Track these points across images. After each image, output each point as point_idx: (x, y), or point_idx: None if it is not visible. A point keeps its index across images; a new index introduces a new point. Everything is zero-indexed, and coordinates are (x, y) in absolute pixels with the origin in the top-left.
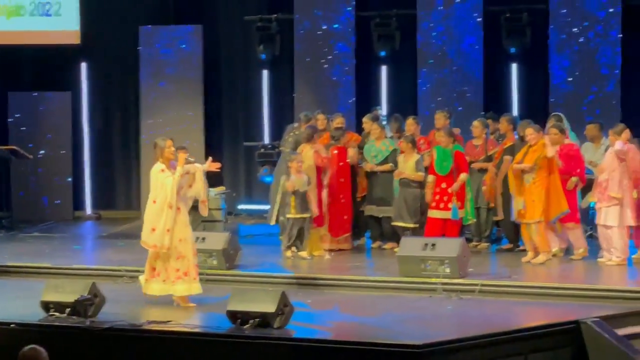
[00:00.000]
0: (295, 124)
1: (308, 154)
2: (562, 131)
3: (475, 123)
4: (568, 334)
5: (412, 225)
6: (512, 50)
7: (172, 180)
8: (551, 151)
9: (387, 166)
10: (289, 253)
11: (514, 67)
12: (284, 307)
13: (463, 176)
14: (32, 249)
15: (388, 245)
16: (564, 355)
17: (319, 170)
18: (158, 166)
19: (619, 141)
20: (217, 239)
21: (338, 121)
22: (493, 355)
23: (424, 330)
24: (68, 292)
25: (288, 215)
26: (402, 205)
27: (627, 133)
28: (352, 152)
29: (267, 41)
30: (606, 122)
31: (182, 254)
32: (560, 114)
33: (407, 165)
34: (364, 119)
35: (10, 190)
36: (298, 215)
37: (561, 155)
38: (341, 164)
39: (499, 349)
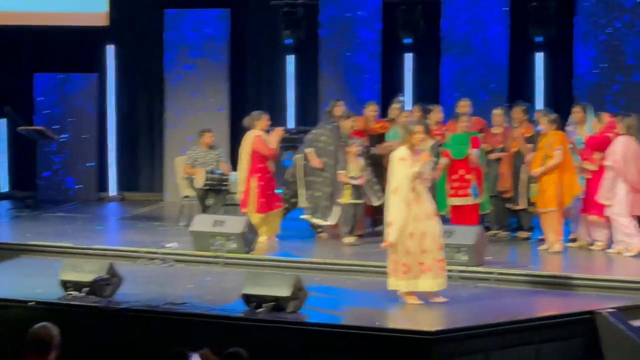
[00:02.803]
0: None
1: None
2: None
3: (497, 111)
4: (582, 324)
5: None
6: (538, 39)
7: (411, 173)
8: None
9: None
10: (346, 240)
11: (539, 56)
12: (299, 291)
13: (473, 151)
14: (54, 228)
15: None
16: (577, 346)
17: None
18: (400, 152)
19: None
20: (236, 223)
21: (370, 109)
22: (505, 344)
23: (438, 317)
24: (86, 272)
25: (340, 201)
26: None
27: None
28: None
29: (293, 26)
30: (632, 112)
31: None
32: (587, 103)
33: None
34: (393, 106)
35: (35, 170)
36: (352, 201)
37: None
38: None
39: (512, 338)
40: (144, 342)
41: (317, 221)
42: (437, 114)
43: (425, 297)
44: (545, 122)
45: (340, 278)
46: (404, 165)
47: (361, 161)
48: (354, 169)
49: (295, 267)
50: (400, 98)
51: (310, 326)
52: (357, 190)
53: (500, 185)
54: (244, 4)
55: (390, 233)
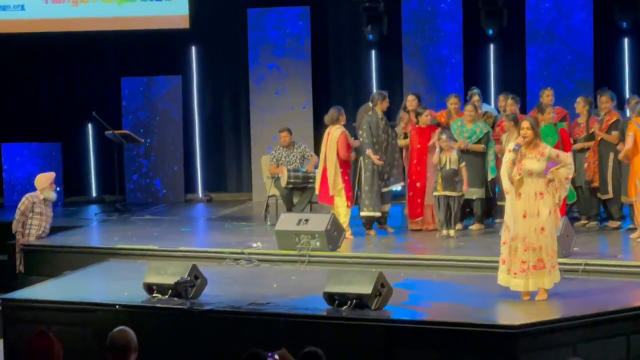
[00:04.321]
0: (370, 104)
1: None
2: None
3: (578, 99)
4: None
5: None
6: (624, 24)
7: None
8: None
9: (480, 146)
10: (443, 232)
11: (626, 42)
12: (382, 287)
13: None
14: (141, 231)
15: (475, 227)
16: None
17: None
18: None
19: None
20: (320, 221)
21: (451, 101)
22: (593, 336)
23: (523, 311)
24: (170, 274)
25: (435, 193)
26: None
27: None
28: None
29: (375, 21)
30: None
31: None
32: None
33: (509, 144)
34: (452, 99)
35: (123, 174)
36: (444, 193)
37: None
38: (418, 146)
39: (600, 329)
40: (225, 343)
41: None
42: (512, 105)
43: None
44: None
45: (425, 273)
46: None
47: (454, 153)
48: (450, 161)
49: (381, 263)
50: (475, 90)
51: (394, 323)
52: (448, 182)
53: (587, 175)
54: (325, 1)
55: None
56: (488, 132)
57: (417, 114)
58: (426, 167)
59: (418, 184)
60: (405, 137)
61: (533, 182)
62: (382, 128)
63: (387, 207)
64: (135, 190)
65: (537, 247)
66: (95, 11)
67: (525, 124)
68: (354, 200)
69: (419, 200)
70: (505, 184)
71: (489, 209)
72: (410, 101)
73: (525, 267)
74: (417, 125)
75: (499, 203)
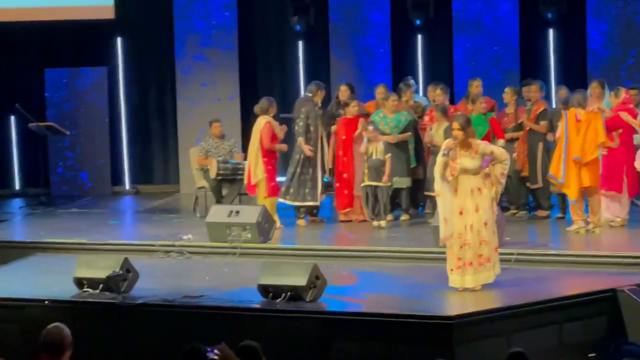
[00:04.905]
0: (309, 94)
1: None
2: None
3: (506, 89)
4: (604, 302)
5: None
6: (549, 15)
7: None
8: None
9: (407, 135)
10: (374, 223)
11: (551, 32)
12: (316, 279)
13: (501, 142)
14: (68, 225)
15: (404, 217)
16: (600, 324)
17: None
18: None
19: None
20: (251, 212)
21: (379, 91)
22: (527, 325)
23: (458, 301)
24: (101, 268)
25: (362, 184)
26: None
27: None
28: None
29: (302, 12)
30: None
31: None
32: (602, 79)
33: (438, 134)
34: (379, 88)
35: (48, 167)
36: (370, 184)
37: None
38: (344, 137)
39: (533, 319)
40: (161, 337)
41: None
42: (441, 95)
43: None
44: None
45: (359, 264)
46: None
47: (380, 144)
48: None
49: (313, 255)
50: (410, 81)
51: (329, 315)
52: (374, 172)
53: (517, 165)
54: None
55: None
56: (412, 121)
57: (345, 105)
58: (353, 158)
59: (345, 175)
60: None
61: (469, 179)
62: (319, 118)
63: (312, 203)
64: (60, 183)
65: (474, 244)
66: (18, 1)
67: (454, 124)
68: (278, 192)
69: (346, 192)
70: (437, 186)
71: (416, 199)
72: (343, 91)
73: (461, 264)
74: (343, 116)
75: (426, 193)
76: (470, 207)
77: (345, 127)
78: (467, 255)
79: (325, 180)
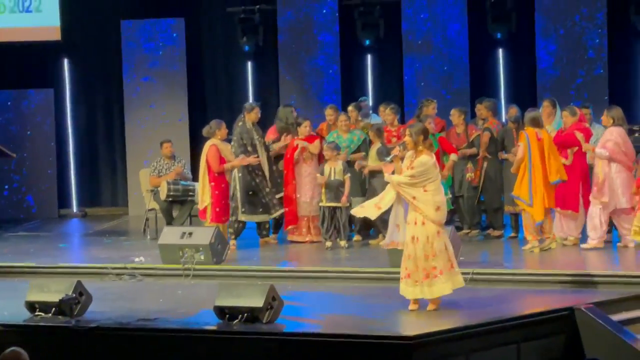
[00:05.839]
0: (241, 115)
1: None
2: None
3: (452, 111)
4: (562, 321)
5: None
6: (498, 35)
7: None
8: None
9: (360, 155)
10: (327, 244)
11: (500, 52)
12: (273, 300)
13: (454, 157)
14: (16, 248)
15: (357, 238)
16: (558, 343)
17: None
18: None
19: None
20: (204, 234)
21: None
22: (486, 345)
23: (416, 321)
24: (53, 292)
25: (320, 204)
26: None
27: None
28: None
29: (250, 32)
30: (595, 106)
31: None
32: (553, 98)
33: (371, 155)
34: (327, 110)
35: None
36: (328, 204)
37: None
38: (289, 156)
39: (492, 338)
40: None
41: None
42: (389, 115)
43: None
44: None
45: (314, 285)
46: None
47: (339, 165)
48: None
49: (269, 276)
50: (364, 101)
51: (287, 336)
52: (333, 193)
53: (473, 183)
54: (199, 13)
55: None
56: (365, 139)
57: (297, 125)
58: (294, 177)
59: (288, 193)
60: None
61: (404, 191)
62: (255, 137)
63: (265, 217)
64: (6, 206)
65: (412, 256)
66: None
67: (406, 131)
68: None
69: (287, 209)
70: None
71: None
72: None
73: (404, 275)
74: (295, 137)
75: None
76: (410, 219)
77: (292, 147)
78: (408, 266)
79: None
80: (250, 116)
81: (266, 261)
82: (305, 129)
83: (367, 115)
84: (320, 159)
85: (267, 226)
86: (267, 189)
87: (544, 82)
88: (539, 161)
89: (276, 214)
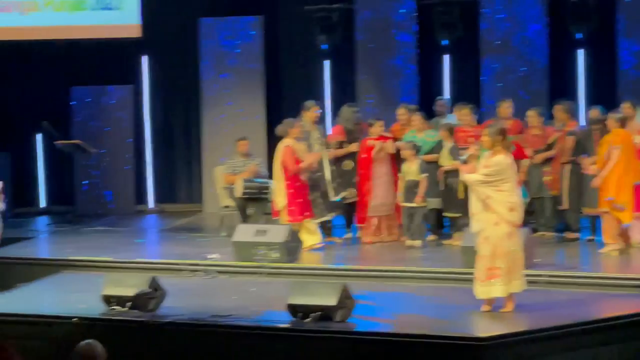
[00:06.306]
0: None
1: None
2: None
3: (529, 113)
4: (639, 326)
5: (458, 215)
6: (579, 35)
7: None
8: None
9: (434, 156)
10: (407, 243)
11: (581, 53)
12: (346, 299)
13: (526, 162)
14: (94, 243)
15: (431, 237)
16: (635, 349)
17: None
18: None
19: None
20: (279, 232)
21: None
22: (560, 348)
23: (489, 323)
24: (129, 286)
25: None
26: (448, 195)
27: None
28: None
29: (328, 31)
30: None
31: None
32: (633, 100)
33: (443, 154)
34: (399, 110)
35: (73, 184)
36: (404, 204)
37: None
38: (364, 155)
39: (566, 342)
40: (188, 357)
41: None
42: (468, 115)
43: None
44: (611, 120)
45: (387, 284)
46: None
47: (415, 164)
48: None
49: (341, 275)
50: (442, 100)
51: (358, 335)
52: (408, 193)
53: (551, 187)
54: (278, 10)
55: None
56: (440, 141)
57: (369, 125)
58: (371, 177)
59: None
60: (340, 147)
61: (478, 190)
62: (313, 136)
63: (330, 216)
64: (85, 201)
65: (483, 256)
66: (45, 20)
67: (484, 131)
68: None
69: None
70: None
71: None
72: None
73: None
74: (368, 136)
75: (445, 214)
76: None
77: (367, 146)
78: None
79: (338, 200)
80: (309, 115)
81: (339, 260)
82: (378, 129)
83: (443, 115)
84: (391, 159)
85: (329, 225)
86: (319, 192)
87: (625, 83)
88: (632, 163)
89: (322, 219)
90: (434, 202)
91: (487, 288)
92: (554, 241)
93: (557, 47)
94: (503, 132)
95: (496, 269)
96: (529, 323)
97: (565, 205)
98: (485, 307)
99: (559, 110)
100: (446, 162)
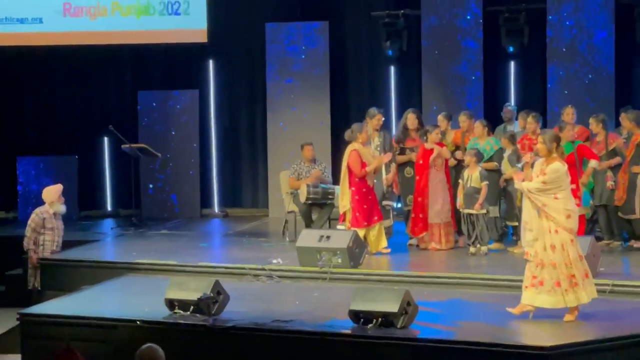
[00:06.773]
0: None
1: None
2: None
3: (590, 120)
4: None
5: (517, 223)
6: None
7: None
8: None
9: (492, 164)
10: (472, 250)
11: None
12: (408, 306)
13: (594, 163)
14: (159, 246)
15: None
16: None
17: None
18: None
19: None
20: (342, 237)
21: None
22: (624, 359)
23: (552, 331)
24: (192, 290)
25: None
26: (508, 204)
27: None
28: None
29: (394, 37)
30: None
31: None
32: None
33: (505, 161)
34: (461, 117)
35: (139, 188)
36: (464, 211)
37: None
38: (421, 162)
39: (630, 353)
40: None
41: None
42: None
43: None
44: None
45: (450, 291)
46: None
47: (477, 171)
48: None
49: (404, 281)
50: (509, 107)
51: (421, 342)
52: (469, 200)
53: (617, 195)
54: (344, 16)
55: None
56: (499, 149)
57: (427, 132)
58: (428, 184)
59: (419, 199)
60: (401, 153)
61: (535, 198)
62: (375, 143)
63: (387, 223)
64: (150, 205)
65: (551, 264)
66: (113, 24)
67: (539, 138)
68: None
69: (421, 216)
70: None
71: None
72: (411, 120)
73: (531, 283)
74: (425, 143)
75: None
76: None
77: (424, 153)
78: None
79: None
80: (372, 123)
81: (403, 266)
82: (436, 136)
83: (511, 121)
84: (447, 166)
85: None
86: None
87: None
88: None
89: (386, 225)
90: (494, 210)
91: (568, 296)
92: (619, 250)
93: (624, 54)
94: (557, 139)
95: (572, 277)
96: (592, 333)
97: (637, 214)
98: (569, 317)
99: (625, 118)
100: (506, 168)
